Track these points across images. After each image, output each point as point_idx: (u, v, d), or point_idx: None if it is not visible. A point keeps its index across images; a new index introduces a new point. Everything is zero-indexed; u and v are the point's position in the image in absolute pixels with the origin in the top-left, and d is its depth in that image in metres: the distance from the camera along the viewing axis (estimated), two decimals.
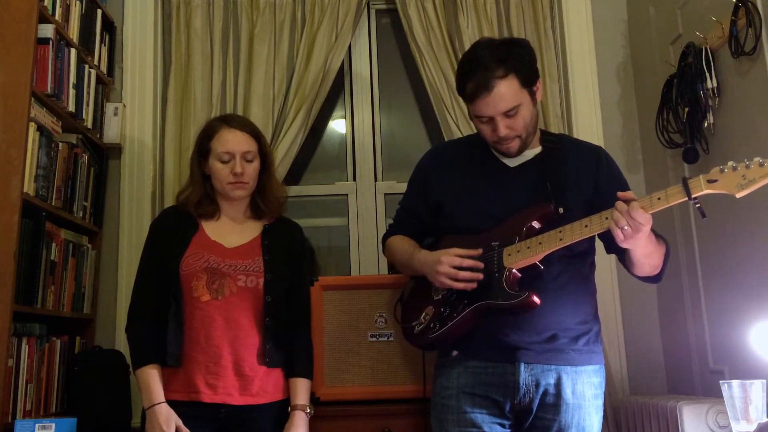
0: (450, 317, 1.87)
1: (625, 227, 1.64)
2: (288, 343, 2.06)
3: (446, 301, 1.89)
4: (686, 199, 1.64)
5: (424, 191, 2.04)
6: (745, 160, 1.60)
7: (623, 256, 1.88)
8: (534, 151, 1.95)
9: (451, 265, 1.82)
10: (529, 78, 1.84)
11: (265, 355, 1.99)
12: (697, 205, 1.65)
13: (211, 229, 2.08)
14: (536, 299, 1.76)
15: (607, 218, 1.70)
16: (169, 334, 1.95)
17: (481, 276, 1.81)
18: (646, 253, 1.78)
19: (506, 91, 1.80)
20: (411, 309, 2.02)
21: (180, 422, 1.92)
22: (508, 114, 1.82)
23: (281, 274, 2.06)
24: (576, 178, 1.91)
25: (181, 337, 1.96)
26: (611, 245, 1.84)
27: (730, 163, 1.61)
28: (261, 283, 2.01)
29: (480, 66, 1.81)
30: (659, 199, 1.66)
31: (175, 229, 2.06)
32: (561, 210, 1.83)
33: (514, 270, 1.80)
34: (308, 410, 2.03)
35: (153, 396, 1.93)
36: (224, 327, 1.97)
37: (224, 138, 2.05)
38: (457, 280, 1.82)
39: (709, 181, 1.62)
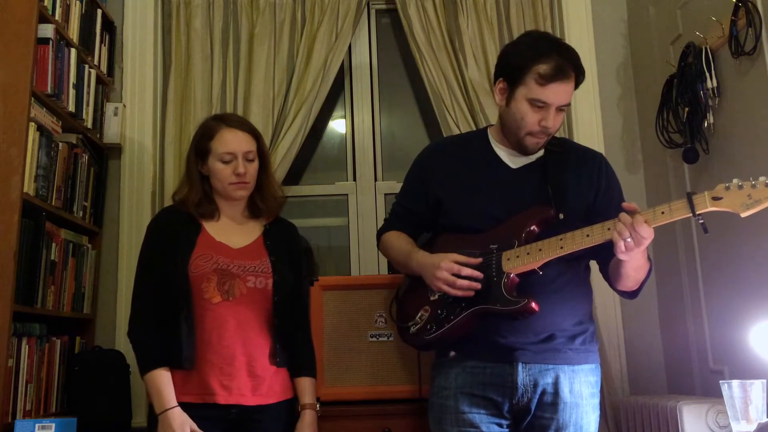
0: (447, 319, 1.86)
1: (628, 239, 1.65)
2: (293, 342, 2.06)
3: (443, 302, 1.88)
4: (690, 215, 1.65)
5: (424, 187, 2.02)
6: (751, 178, 1.61)
7: (606, 267, 1.89)
8: (537, 154, 1.95)
9: (450, 272, 1.82)
10: (578, 85, 1.88)
11: (275, 356, 2.00)
12: (701, 221, 1.66)
13: (214, 229, 2.07)
14: (534, 306, 1.76)
15: (609, 229, 1.70)
16: (182, 337, 1.93)
17: (479, 285, 1.80)
18: (637, 267, 1.79)
19: (571, 86, 1.83)
20: (407, 308, 2.00)
21: (195, 426, 1.90)
22: (561, 108, 1.84)
23: (286, 275, 2.06)
24: (577, 184, 1.91)
25: (194, 340, 1.94)
26: (597, 254, 1.86)
27: (735, 180, 1.62)
28: (270, 284, 2.01)
29: (558, 52, 1.81)
30: (663, 213, 1.67)
31: (176, 229, 2.05)
32: (561, 215, 1.83)
33: (512, 275, 1.80)
34: (317, 408, 2.05)
35: (165, 400, 1.91)
36: (236, 328, 1.96)
37: (225, 138, 2.04)
38: (454, 286, 1.82)
39: (714, 199, 1.63)
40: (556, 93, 1.80)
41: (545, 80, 1.79)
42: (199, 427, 1.91)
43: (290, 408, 2.03)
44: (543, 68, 1.79)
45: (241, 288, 1.99)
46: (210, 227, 2.07)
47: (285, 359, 2.03)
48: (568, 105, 1.86)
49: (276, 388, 2.00)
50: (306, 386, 2.05)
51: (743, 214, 1.61)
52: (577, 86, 1.86)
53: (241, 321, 1.97)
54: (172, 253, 2.00)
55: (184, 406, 1.92)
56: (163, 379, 1.92)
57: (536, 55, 1.81)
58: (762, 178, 1.59)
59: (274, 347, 2.00)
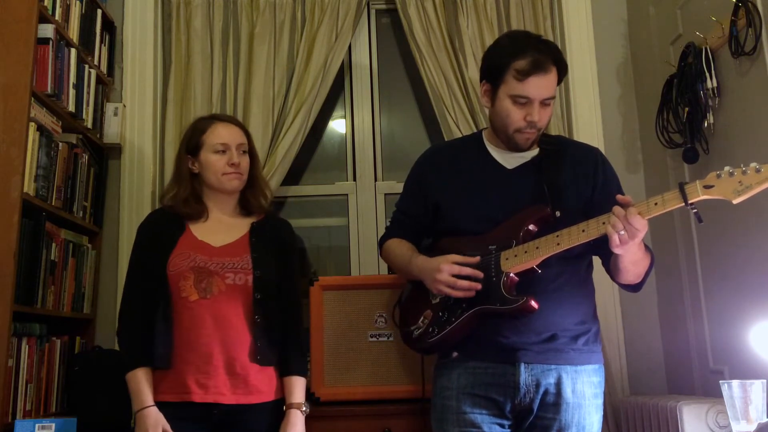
0: (448, 322, 1.86)
1: (622, 232, 1.65)
2: (281, 341, 2.03)
3: (444, 305, 1.89)
4: (683, 204, 1.64)
5: (422, 192, 2.03)
6: (742, 165, 1.60)
7: (608, 261, 1.89)
8: (531, 152, 1.95)
9: (450, 273, 1.82)
10: (561, 78, 1.89)
11: (256, 353, 1.97)
12: (694, 211, 1.66)
13: (199, 229, 2.07)
14: (534, 304, 1.76)
15: (604, 223, 1.70)
16: (157, 336, 1.94)
17: (479, 286, 1.80)
18: (634, 260, 1.79)
19: (553, 79, 1.85)
20: (409, 312, 2.01)
21: (167, 426, 1.90)
22: (545, 103, 1.85)
23: (270, 272, 2.04)
24: (574, 182, 1.91)
25: (170, 338, 1.95)
26: (598, 249, 1.85)
27: (727, 168, 1.61)
28: (250, 281, 2.00)
29: (535, 47, 1.83)
30: (656, 204, 1.67)
31: (161, 231, 2.06)
32: (558, 213, 1.83)
33: (511, 274, 1.80)
34: (304, 408, 2.01)
35: (141, 399, 1.93)
36: (214, 326, 1.95)
37: (219, 131, 2.09)
38: (455, 287, 1.82)
39: (706, 187, 1.62)
40: (536, 87, 1.81)
41: (523, 75, 1.81)
42: (179, 427, 1.91)
43: (278, 408, 2.00)
44: (520, 64, 1.81)
45: (220, 285, 1.98)
46: (195, 228, 2.08)
47: (269, 357, 2.00)
48: (553, 98, 1.87)
49: (262, 387, 1.98)
50: (293, 385, 2.01)
51: (735, 201, 1.60)
52: (560, 80, 1.88)
53: (219, 318, 1.96)
54: (154, 255, 2.02)
55: (163, 405, 1.93)
56: (141, 378, 1.94)
57: (513, 52, 1.84)
58: (752, 164, 1.58)
59: (254, 345, 1.98)
